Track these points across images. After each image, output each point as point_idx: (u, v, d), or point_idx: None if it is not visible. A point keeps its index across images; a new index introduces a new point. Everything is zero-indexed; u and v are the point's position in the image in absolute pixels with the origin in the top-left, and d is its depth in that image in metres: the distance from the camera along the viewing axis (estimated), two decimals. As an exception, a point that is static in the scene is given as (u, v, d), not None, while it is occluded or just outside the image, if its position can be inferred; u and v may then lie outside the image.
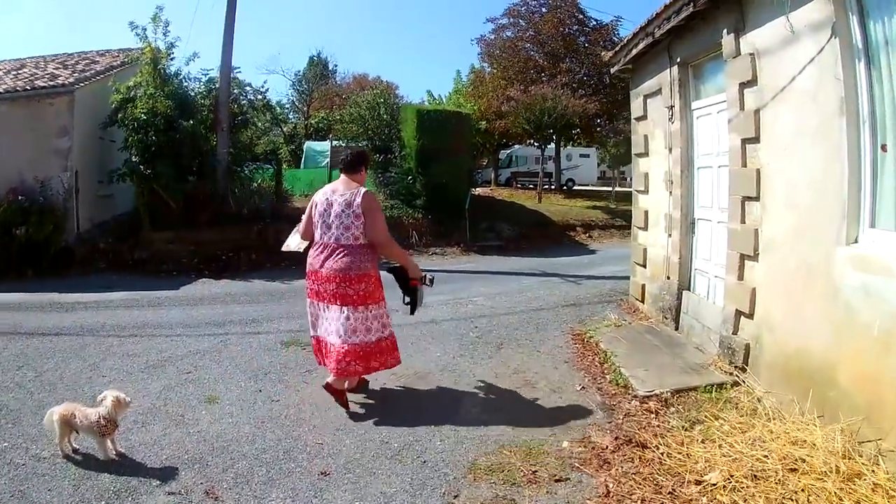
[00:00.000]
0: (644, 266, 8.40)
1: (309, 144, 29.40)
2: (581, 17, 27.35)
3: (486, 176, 35.12)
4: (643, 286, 8.39)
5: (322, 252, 4.91)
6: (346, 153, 5.28)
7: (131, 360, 6.37)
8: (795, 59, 4.70)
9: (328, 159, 22.67)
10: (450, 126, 15.36)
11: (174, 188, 12.89)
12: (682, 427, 4.59)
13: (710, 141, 6.63)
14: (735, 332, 5.70)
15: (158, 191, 12.89)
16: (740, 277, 5.63)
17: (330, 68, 52.41)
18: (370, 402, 5.31)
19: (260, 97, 16.43)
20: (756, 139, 5.35)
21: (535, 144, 29.81)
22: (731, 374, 5.59)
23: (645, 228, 8.36)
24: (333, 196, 4.90)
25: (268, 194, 14.75)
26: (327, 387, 4.98)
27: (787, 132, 4.93)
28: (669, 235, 7.37)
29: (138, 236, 12.96)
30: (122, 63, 15.01)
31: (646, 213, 8.30)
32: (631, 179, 31.86)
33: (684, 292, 7.14)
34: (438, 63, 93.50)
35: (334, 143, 21.87)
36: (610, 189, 30.28)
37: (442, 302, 8.88)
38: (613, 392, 5.52)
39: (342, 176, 5.09)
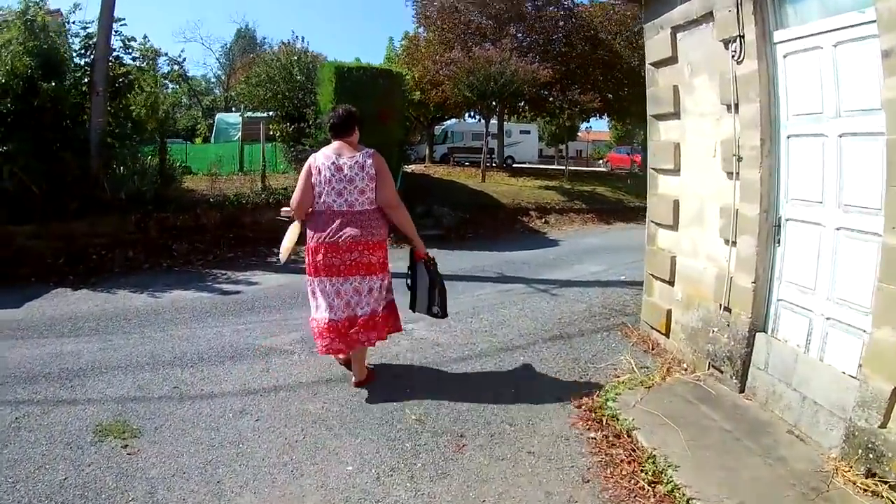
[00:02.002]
0: (670, 283, 5.65)
1: (220, 116, 26.42)
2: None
3: (419, 152, 32.32)
4: (668, 312, 5.66)
5: (333, 221, 4.54)
6: (333, 114, 4.77)
7: None
8: None
9: (240, 132, 19.60)
10: (377, 88, 12.09)
11: (34, 168, 9.60)
12: None
13: (818, 93, 3.96)
14: (884, 425, 3.24)
15: (17, 173, 9.61)
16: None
17: (258, 41, 49.57)
18: None
19: (176, 67, 13.36)
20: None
21: (476, 118, 27.16)
22: (877, 493, 3.21)
23: (673, 227, 5.59)
24: (341, 159, 4.56)
25: (151, 174, 11.35)
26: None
27: None
28: (733, 243, 4.64)
29: (-3, 231, 9.63)
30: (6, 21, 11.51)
31: (675, 203, 5.53)
32: (569, 157, 30.25)
33: (758, 335, 4.47)
34: (371, 36, 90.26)
35: (247, 114, 18.63)
36: (556, 167, 27.99)
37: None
38: (701, 570, 2.77)
39: (337, 141, 4.69)
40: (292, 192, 11.12)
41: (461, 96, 20.94)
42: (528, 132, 37.53)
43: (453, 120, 32.73)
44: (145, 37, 11.83)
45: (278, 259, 5.38)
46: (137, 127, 11.72)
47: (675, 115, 5.48)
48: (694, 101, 5.20)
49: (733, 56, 4.53)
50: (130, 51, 11.67)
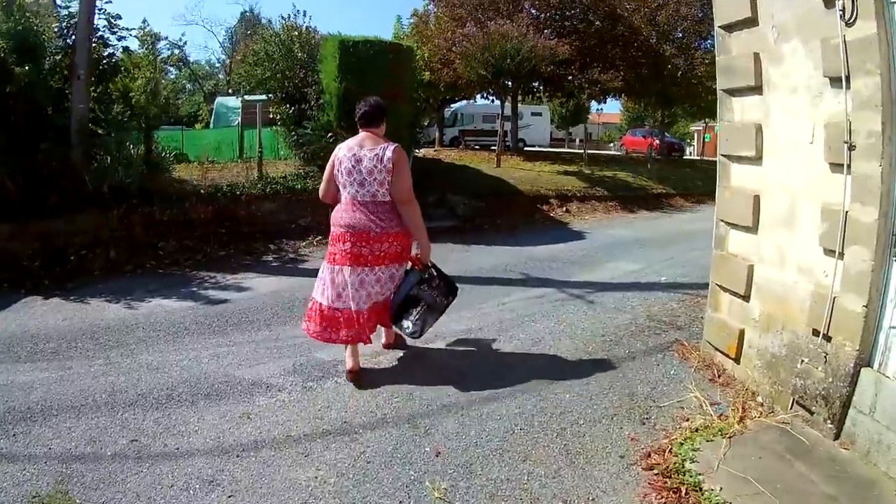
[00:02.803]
0: (744, 297, 4.64)
1: (220, 100, 25.61)
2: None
3: (429, 135, 31.26)
4: (740, 333, 4.65)
5: (359, 211, 4.53)
6: (363, 105, 4.72)
7: None
8: None
9: (240, 117, 18.57)
10: (384, 63, 10.97)
11: (7, 161, 8.72)
12: None
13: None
14: None
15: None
16: None
17: (263, 23, 48.71)
18: None
19: (177, 51, 12.47)
20: None
21: (489, 99, 26.00)
22: None
23: (752, 229, 4.57)
24: (362, 151, 4.53)
25: (137, 164, 10.32)
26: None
27: None
28: (839, 254, 3.62)
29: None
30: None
31: (755, 199, 4.51)
32: (581, 141, 28.92)
33: (864, 371, 3.47)
34: (378, 16, 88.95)
35: (245, 96, 17.66)
36: (570, 150, 26.82)
37: (362, 360, 4.85)
38: None
39: (364, 132, 4.66)
40: (291, 180, 10.26)
41: (475, 75, 19.86)
42: (539, 114, 36.12)
43: (463, 102, 31.61)
44: (144, 21, 10.98)
45: None
46: (131, 113, 10.78)
47: (756, 89, 4.42)
48: (782, 72, 4.16)
49: (841, 16, 3.51)
50: (116, 30, 10.57)
